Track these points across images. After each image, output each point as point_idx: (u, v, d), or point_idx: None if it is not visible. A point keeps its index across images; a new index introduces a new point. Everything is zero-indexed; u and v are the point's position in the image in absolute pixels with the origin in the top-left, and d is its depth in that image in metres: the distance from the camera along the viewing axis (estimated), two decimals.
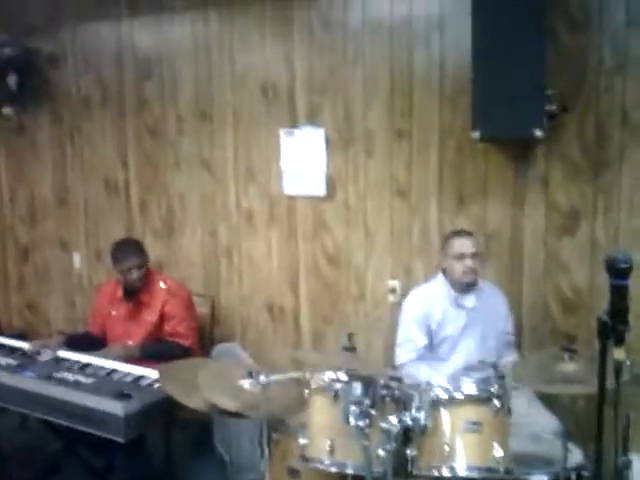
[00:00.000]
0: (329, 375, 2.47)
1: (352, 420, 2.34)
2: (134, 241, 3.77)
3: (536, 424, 2.76)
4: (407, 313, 3.23)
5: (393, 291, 3.69)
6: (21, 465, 3.63)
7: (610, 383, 1.96)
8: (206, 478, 3.50)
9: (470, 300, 3.14)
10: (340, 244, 3.84)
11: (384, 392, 2.46)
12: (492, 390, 2.36)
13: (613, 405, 2.02)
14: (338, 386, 2.44)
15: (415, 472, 2.38)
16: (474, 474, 2.30)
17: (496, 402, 2.33)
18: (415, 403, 2.40)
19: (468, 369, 2.97)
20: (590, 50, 3.19)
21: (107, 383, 3.10)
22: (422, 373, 2.96)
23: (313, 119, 3.83)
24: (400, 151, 3.64)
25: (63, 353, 3.46)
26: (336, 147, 3.79)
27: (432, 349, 3.14)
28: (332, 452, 2.40)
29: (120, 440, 2.83)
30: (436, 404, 2.36)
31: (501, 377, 2.45)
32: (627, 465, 2.48)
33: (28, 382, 3.13)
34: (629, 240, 3.14)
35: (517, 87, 3.05)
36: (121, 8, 4.32)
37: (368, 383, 2.42)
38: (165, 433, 3.24)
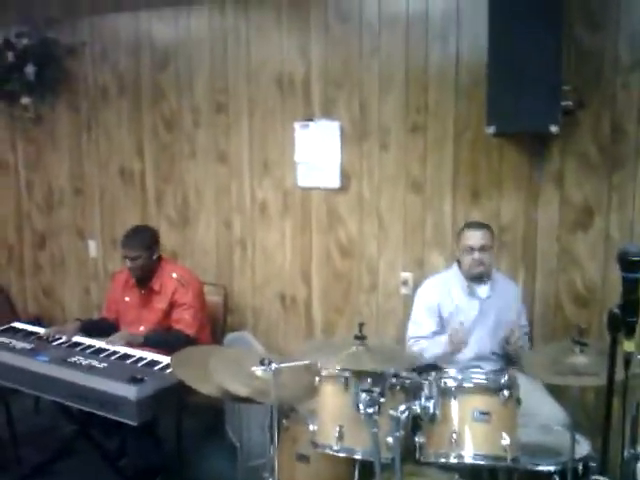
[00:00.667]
0: (340, 361, 2.49)
1: (361, 407, 2.35)
2: (142, 232, 3.72)
3: (544, 415, 2.77)
4: (420, 300, 3.26)
5: (405, 283, 3.71)
6: (34, 448, 3.68)
7: (619, 375, 1.97)
8: (216, 463, 3.52)
9: (483, 290, 3.15)
10: (353, 236, 3.87)
11: (394, 381, 2.48)
12: (501, 380, 2.37)
13: (622, 397, 2.03)
14: (348, 374, 2.46)
15: (423, 459, 2.40)
16: (481, 462, 2.32)
17: (505, 392, 2.34)
18: (424, 392, 2.41)
19: (479, 359, 2.98)
20: (607, 47, 3.19)
21: (120, 367, 3.14)
22: (429, 350, 3.00)
23: (328, 112, 3.85)
24: (415, 145, 3.65)
25: (77, 338, 3.51)
26: (351, 140, 3.80)
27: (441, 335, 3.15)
28: (341, 438, 2.43)
29: (133, 423, 2.87)
30: (445, 393, 2.37)
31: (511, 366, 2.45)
32: (635, 457, 2.50)
33: (42, 366, 3.17)
34: None
35: (533, 82, 3.05)
36: None
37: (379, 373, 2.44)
38: (176, 418, 3.27)
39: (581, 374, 2.33)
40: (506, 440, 2.28)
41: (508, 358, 3.10)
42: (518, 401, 2.40)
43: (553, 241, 3.39)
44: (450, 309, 3.15)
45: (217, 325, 3.97)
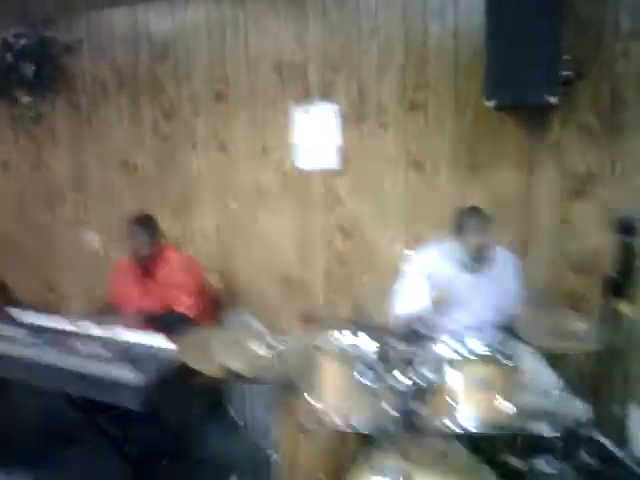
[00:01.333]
0: (340, 338, 2.48)
1: (362, 380, 2.34)
2: (144, 220, 3.74)
3: (542, 380, 2.75)
4: (414, 267, 3.20)
5: (406, 260, 3.66)
6: (38, 436, 3.68)
7: (613, 338, 1.95)
8: (220, 443, 3.51)
9: (480, 264, 3.11)
10: (353, 217, 3.85)
11: (394, 352, 2.47)
12: (500, 348, 2.34)
13: (616, 358, 2.01)
14: (348, 348, 2.44)
15: (423, 427, 2.37)
16: (481, 429, 2.29)
17: (504, 360, 2.32)
18: (424, 362, 2.39)
19: (477, 329, 2.94)
20: (607, 15, 3.17)
21: (125, 354, 3.12)
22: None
23: (327, 95, 3.84)
24: (414, 123, 3.64)
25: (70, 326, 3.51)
26: (350, 121, 3.79)
27: (441, 310, 3.10)
28: (343, 412, 2.40)
29: (138, 410, 2.86)
30: (445, 363, 2.36)
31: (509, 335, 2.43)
32: (626, 414, 2.48)
33: (46, 355, 3.16)
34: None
35: (531, 53, 3.04)
36: None
37: (378, 342, 2.42)
38: (180, 400, 3.26)
39: (579, 339, 2.31)
40: (505, 407, 2.26)
41: (506, 327, 3.05)
42: (517, 369, 2.37)
43: (553, 211, 3.36)
44: (443, 280, 3.08)
45: (219, 309, 3.98)
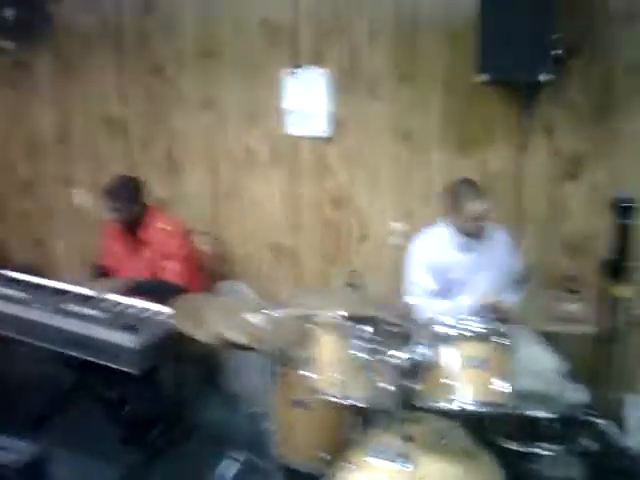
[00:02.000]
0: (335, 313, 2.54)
1: (359, 354, 2.40)
2: (123, 183, 3.69)
3: (540, 363, 2.82)
4: (414, 259, 3.24)
5: (395, 232, 3.74)
6: (34, 398, 3.71)
7: (612, 321, 2.04)
8: (214, 410, 3.60)
9: (475, 244, 3.17)
10: (343, 185, 3.87)
11: (391, 327, 2.53)
12: (497, 328, 2.42)
13: (615, 343, 2.10)
14: (345, 322, 2.51)
15: (420, 405, 2.46)
16: (477, 408, 2.37)
17: (501, 340, 2.39)
18: (422, 339, 2.46)
19: (475, 309, 3.03)
20: None
21: (120, 316, 3.16)
22: (432, 309, 3.02)
23: (317, 59, 3.80)
24: (404, 93, 3.63)
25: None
26: (340, 88, 3.77)
27: (440, 293, 3.19)
28: (339, 385, 2.46)
29: (134, 372, 2.91)
30: (442, 340, 2.43)
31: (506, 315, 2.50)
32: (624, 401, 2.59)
33: (42, 315, 3.19)
34: (632, 186, 3.11)
35: (524, 30, 3.05)
36: None
37: (374, 320, 2.49)
38: (175, 367, 3.32)
39: (573, 321, 2.39)
40: (502, 386, 2.34)
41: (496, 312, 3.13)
42: (513, 348, 2.45)
43: (542, 190, 3.42)
44: (444, 264, 3.15)
45: (208, 274, 3.99)
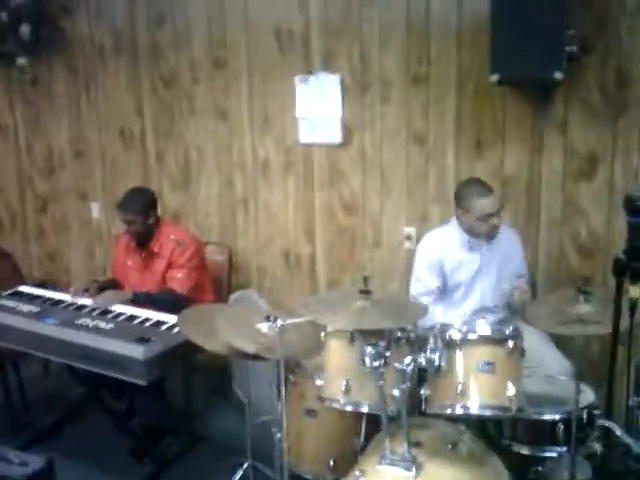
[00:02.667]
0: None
1: (367, 361, 2.35)
2: (138, 195, 3.69)
3: (549, 365, 2.79)
4: (421, 257, 3.22)
5: (409, 238, 3.69)
6: (44, 411, 3.73)
7: (625, 322, 1.96)
8: (225, 420, 3.59)
9: (484, 244, 3.12)
10: (356, 191, 3.84)
11: (399, 334, 2.48)
12: (506, 331, 2.37)
13: (627, 345, 2.03)
14: (354, 329, 2.47)
15: (429, 411, 2.42)
16: (487, 412, 2.33)
17: (509, 343, 2.34)
18: (430, 344, 2.42)
19: (483, 311, 2.98)
20: None
21: (127, 328, 3.16)
22: (437, 315, 2.97)
23: (328, 64, 3.78)
24: (417, 97, 3.59)
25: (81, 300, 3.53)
26: (352, 93, 3.74)
27: (447, 292, 3.15)
28: (348, 392, 2.44)
29: (141, 383, 2.90)
30: (450, 345, 2.38)
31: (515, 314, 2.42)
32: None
33: (50, 328, 3.20)
34: None
35: (536, 28, 2.99)
36: None
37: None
38: (185, 377, 3.31)
39: (586, 323, 2.32)
40: (511, 390, 2.29)
41: (512, 309, 3.10)
42: (522, 351, 2.40)
43: (557, 190, 3.35)
44: (452, 264, 3.12)
45: (222, 284, 3.98)
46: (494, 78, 3.15)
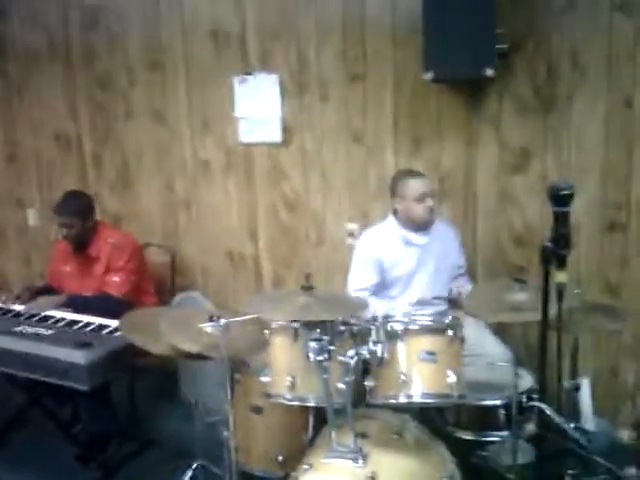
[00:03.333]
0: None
1: (312, 356, 2.37)
2: (74, 198, 3.64)
3: (489, 353, 2.84)
4: (359, 254, 3.23)
5: (352, 234, 3.73)
6: None
7: (555, 308, 2.04)
8: (173, 422, 3.55)
9: (422, 238, 3.16)
10: (298, 190, 3.86)
11: (342, 327, 2.51)
12: (446, 321, 2.42)
13: (561, 328, 2.10)
14: (297, 324, 2.49)
15: (373, 402, 2.44)
16: (429, 400, 2.37)
17: (450, 332, 2.38)
18: (372, 336, 2.44)
19: (422, 303, 3.02)
20: None
21: (67, 333, 3.11)
22: (379, 309, 3.01)
23: (266, 65, 3.80)
24: (355, 95, 3.64)
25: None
26: (290, 93, 3.77)
27: (386, 287, 3.18)
28: (293, 387, 2.46)
29: (84, 389, 2.86)
30: (392, 336, 2.40)
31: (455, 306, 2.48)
32: (576, 388, 2.61)
33: None
34: (578, 176, 3.19)
35: (467, 27, 3.06)
36: None
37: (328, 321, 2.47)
38: (130, 381, 3.27)
39: (521, 310, 2.40)
40: (452, 378, 2.33)
41: (451, 302, 3.15)
42: (462, 340, 2.45)
43: (492, 184, 3.43)
44: (390, 260, 3.15)
45: (165, 286, 3.95)
46: (428, 76, 3.21)
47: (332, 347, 2.40)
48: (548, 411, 2.27)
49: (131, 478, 3.25)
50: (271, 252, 4.02)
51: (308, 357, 2.39)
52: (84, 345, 2.93)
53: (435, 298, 3.00)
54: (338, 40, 3.61)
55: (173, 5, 3.96)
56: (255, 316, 2.63)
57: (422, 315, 2.49)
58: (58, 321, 3.26)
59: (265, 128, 3.86)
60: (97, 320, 3.24)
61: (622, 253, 3.21)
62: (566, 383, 2.60)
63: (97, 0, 4.16)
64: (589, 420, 2.68)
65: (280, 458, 2.70)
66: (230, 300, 4.04)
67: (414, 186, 3.10)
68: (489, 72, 3.11)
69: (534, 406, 2.34)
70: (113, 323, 3.14)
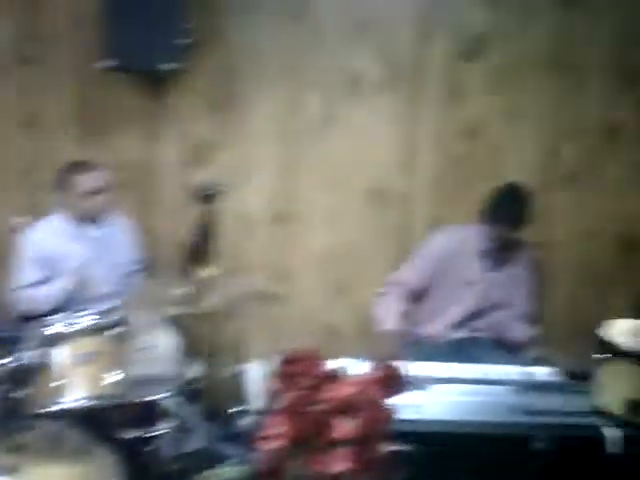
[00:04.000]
0: None
1: None
2: None
3: (158, 346, 2.81)
4: (23, 251, 2.99)
5: (17, 228, 3.32)
6: None
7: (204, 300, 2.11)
8: None
9: (93, 231, 3.05)
10: None
11: None
12: (110, 319, 2.37)
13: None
14: None
15: (30, 411, 2.31)
16: (89, 403, 2.31)
17: (113, 330, 2.34)
18: (27, 343, 2.30)
19: (96, 300, 2.91)
20: None
21: None
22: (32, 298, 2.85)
23: None
24: (29, 78, 3.36)
25: None
26: None
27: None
28: None
29: None
30: (50, 341, 2.31)
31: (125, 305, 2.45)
32: (239, 373, 2.74)
33: None
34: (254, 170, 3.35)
35: (152, 19, 3.05)
36: None
37: None
38: None
39: (184, 304, 2.44)
40: (111, 378, 2.29)
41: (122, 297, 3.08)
42: (129, 336, 2.42)
43: (176, 177, 3.42)
44: (57, 255, 2.97)
45: None
46: (108, 64, 3.12)
47: None
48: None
49: None
50: None
51: None
52: None
53: (110, 293, 2.83)
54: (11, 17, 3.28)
55: None
56: None
57: (83, 315, 2.39)
58: None
59: None
60: None
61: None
62: (231, 369, 2.71)
63: None
64: (259, 400, 2.78)
65: None
66: None
67: (85, 181, 2.94)
68: (171, 66, 3.12)
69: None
70: None
